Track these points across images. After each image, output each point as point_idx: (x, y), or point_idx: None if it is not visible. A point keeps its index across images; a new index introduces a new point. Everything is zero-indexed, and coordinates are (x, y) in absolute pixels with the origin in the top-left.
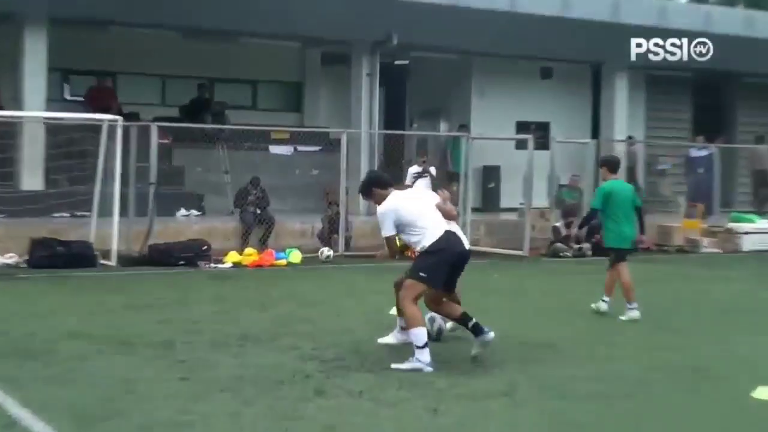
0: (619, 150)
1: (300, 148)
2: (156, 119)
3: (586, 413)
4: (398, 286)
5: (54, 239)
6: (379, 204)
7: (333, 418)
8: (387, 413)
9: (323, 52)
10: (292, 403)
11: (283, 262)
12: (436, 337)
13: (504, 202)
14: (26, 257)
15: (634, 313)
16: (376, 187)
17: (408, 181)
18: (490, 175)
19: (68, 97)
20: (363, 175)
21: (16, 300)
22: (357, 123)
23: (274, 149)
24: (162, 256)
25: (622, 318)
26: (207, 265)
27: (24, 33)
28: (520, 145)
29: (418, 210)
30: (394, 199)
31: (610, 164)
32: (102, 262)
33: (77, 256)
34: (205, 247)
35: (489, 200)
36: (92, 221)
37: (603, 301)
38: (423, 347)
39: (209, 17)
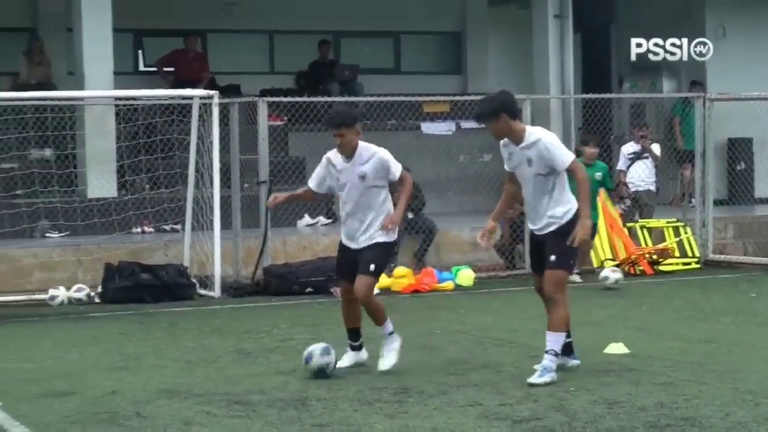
0: None
1: (464, 124)
2: (264, 93)
3: None
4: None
5: (135, 264)
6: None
7: None
8: None
9: None
10: None
11: (449, 285)
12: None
13: (761, 191)
14: (99, 289)
15: None
16: (507, 113)
17: (621, 165)
18: (739, 152)
19: (144, 68)
20: None
21: (90, 347)
22: (543, 86)
23: (428, 128)
24: (282, 283)
25: None
26: None
27: None
28: None
29: None
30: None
31: None
32: (201, 292)
33: (168, 286)
34: None
35: (738, 189)
36: (185, 238)
37: None
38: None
39: None
